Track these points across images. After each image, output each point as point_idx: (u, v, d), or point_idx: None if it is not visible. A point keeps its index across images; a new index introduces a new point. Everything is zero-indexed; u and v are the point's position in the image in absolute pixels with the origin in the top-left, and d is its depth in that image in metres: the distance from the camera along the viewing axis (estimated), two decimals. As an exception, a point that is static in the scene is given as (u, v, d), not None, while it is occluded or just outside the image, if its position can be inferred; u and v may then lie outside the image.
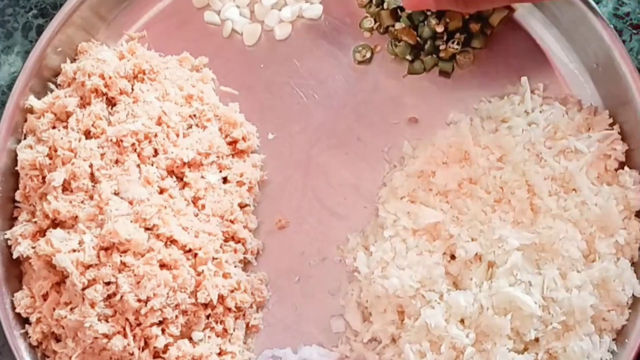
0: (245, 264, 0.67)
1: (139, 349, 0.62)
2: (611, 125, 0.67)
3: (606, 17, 0.66)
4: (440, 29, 0.68)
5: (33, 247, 0.63)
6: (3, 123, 0.65)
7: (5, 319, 0.64)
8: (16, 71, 0.71)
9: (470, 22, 0.69)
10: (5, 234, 0.65)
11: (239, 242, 0.66)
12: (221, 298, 0.64)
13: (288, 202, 0.68)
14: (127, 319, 0.61)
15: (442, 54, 0.69)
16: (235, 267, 0.65)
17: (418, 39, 0.69)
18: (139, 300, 0.61)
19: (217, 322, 0.64)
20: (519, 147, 0.63)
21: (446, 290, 0.62)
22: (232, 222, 0.65)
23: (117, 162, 0.64)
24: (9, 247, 0.65)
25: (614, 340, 0.63)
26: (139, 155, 0.64)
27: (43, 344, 0.64)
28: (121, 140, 0.63)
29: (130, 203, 0.62)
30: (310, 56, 0.70)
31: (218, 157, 0.66)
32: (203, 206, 0.64)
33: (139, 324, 0.61)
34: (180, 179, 0.65)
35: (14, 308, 0.64)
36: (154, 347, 0.62)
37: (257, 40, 0.71)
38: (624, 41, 0.66)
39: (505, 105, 0.67)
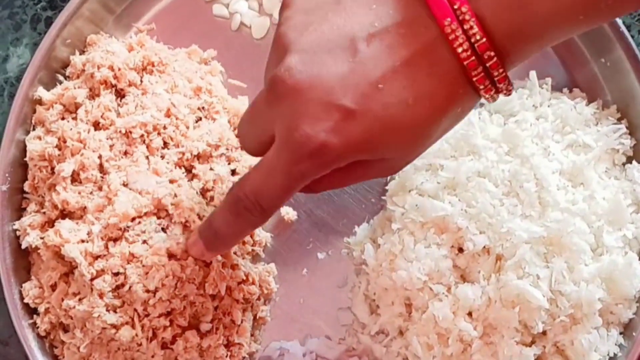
0: (253, 257, 0.67)
1: (147, 339, 0.62)
2: (619, 119, 0.67)
3: (614, 12, 0.66)
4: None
5: (42, 238, 0.63)
6: (12, 114, 0.65)
7: (13, 309, 0.63)
8: (25, 63, 0.71)
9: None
10: (14, 224, 0.65)
11: (247, 234, 0.66)
12: (229, 290, 0.64)
13: (296, 195, 0.68)
14: (135, 310, 0.61)
15: (450, 48, 0.69)
16: (243, 259, 0.65)
17: (427, 32, 0.69)
18: (147, 291, 0.61)
19: (224, 314, 0.64)
20: (527, 141, 0.63)
21: (454, 283, 0.62)
22: (240, 214, 0.65)
23: (126, 153, 0.64)
24: (18, 237, 0.65)
25: (621, 333, 0.63)
26: (147, 147, 0.64)
27: (51, 334, 0.64)
28: (130, 132, 0.63)
29: (140, 194, 0.62)
30: (318, 49, 0.70)
31: (227, 149, 0.66)
32: (212, 198, 0.64)
33: (147, 315, 0.61)
34: (189, 170, 0.65)
35: (22, 298, 0.64)
36: (162, 338, 0.62)
37: (266, 33, 0.71)
38: (632, 36, 0.66)
39: (513, 99, 0.67)
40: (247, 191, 0.51)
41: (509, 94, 0.48)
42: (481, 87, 0.46)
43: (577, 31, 0.47)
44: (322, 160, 0.46)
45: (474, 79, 0.46)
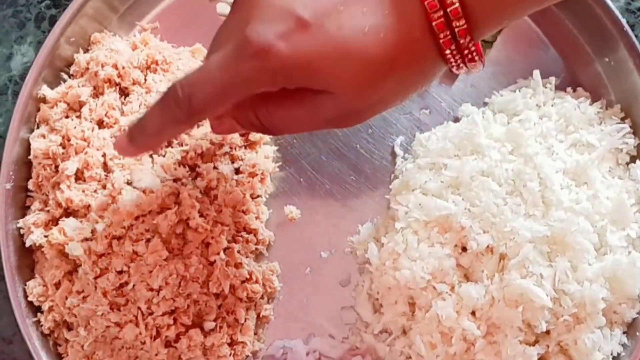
0: (257, 255, 0.67)
1: (151, 338, 0.62)
2: (623, 119, 0.67)
3: (618, 12, 0.66)
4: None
5: (45, 236, 0.63)
6: (16, 112, 0.65)
7: (17, 308, 0.64)
8: (29, 61, 0.71)
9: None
10: (18, 222, 0.65)
11: (250, 232, 0.66)
12: (232, 288, 0.64)
13: (299, 194, 0.69)
14: (139, 308, 0.61)
15: (454, 47, 0.69)
16: (247, 257, 0.65)
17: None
18: (151, 290, 0.61)
19: (228, 313, 0.64)
20: (531, 140, 0.63)
21: (457, 282, 0.62)
22: (244, 212, 0.65)
23: (130, 151, 0.64)
24: (22, 235, 0.65)
25: (625, 333, 0.63)
26: (151, 146, 0.64)
27: (55, 333, 0.64)
28: (134, 130, 0.63)
29: (143, 192, 0.62)
30: (322, 48, 0.70)
31: (231, 148, 0.66)
32: (215, 196, 0.64)
33: (150, 313, 0.62)
34: (192, 169, 0.65)
35: (26, 296, 0.64)
36: (166, 337, 0.62)
37: (269, 32, 0.71)
38: (636, 35, 0.66)
39: (517, 98, 0.67)
40: (184, 83, 0.49)
41: (474, 63, 0.49)
42: (441, 35, 0.47)
43: (545, 3, 0.48)
44: (265, 65, 0.46)
45: (434, 23, 0.47)
